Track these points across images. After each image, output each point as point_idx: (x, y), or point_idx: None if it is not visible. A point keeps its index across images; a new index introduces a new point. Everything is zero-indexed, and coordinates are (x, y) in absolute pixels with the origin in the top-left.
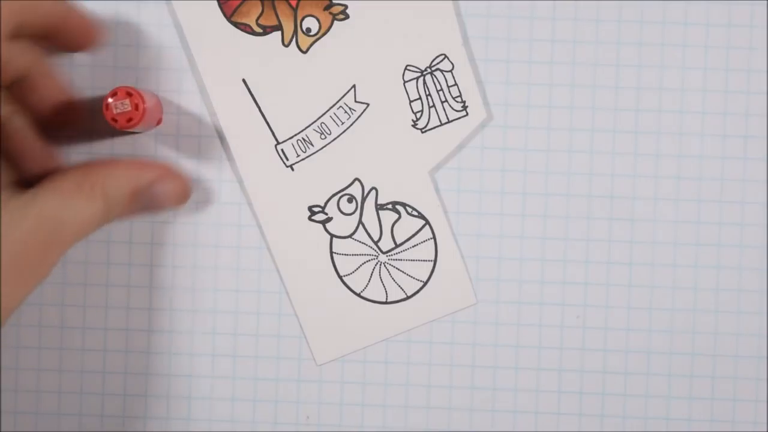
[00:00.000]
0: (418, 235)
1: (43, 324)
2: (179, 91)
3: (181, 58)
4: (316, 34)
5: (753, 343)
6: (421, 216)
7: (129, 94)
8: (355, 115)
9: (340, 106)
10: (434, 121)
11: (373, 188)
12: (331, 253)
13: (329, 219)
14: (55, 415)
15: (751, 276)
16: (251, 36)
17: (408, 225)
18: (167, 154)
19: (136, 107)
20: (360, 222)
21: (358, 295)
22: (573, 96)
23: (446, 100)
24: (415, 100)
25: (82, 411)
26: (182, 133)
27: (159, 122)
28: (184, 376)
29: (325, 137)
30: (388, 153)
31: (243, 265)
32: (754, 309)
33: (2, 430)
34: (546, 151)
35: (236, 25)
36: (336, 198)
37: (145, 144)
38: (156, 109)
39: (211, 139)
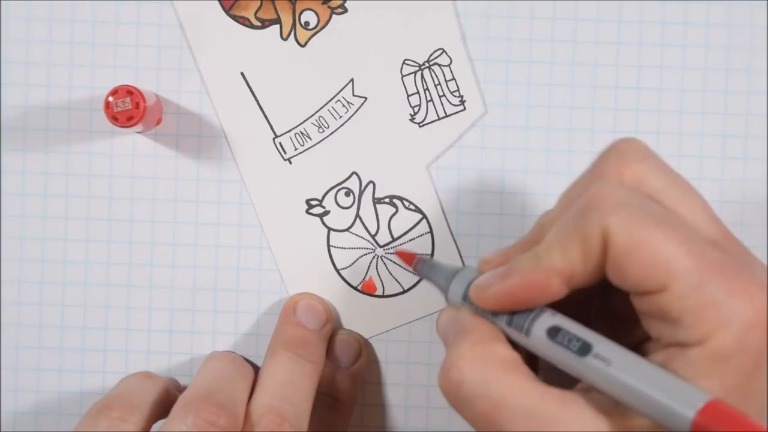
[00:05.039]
0: (415, 228)
1: (43, 324)
2: (179, 91)
3: (181, 58)
4: (314, 28)
5: None
6: (418, 210)
7: (129, 93)
8: (353, 108)
9: (338, 100)
10: (432, 116)
11: (371, 182)
12: (329, 246)
13: (327, 212)
14: (55, 415)
15: None
16: (250, 29)
17: (405, 219)
18: (167, 153)
19: (137, 105)
20: (357, 215)
21: (355, 288)
22: (573, 96)
23: (444, 95)
24: (413, 94)
25: (82, 411)
26: (182, 133)
27: (159, 122)
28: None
29: (323, 131)
30: (386, 147)
31: (243, 265)
32: None
33: (2, 430)
34: (546, 151)
35: (235, 18)
36: (333, 191)
37: (145, 144)
38: (156, 109)
39: (211, 139)
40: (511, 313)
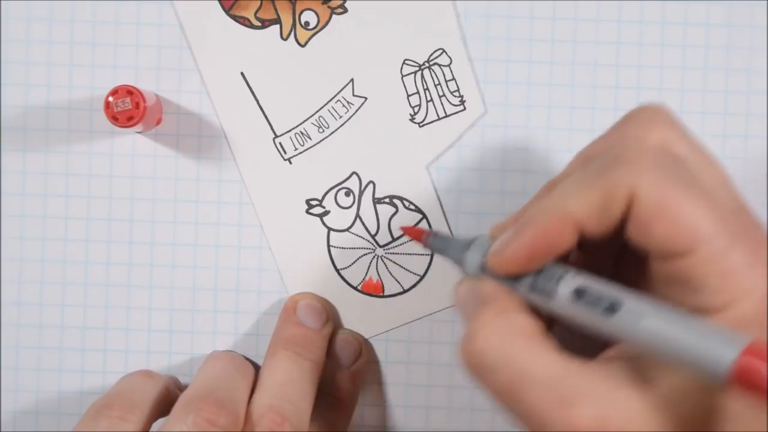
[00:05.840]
0: None
1: (43, 324)
2: (179, 91)
3: (181, 58)
4: (314, 28)
5: None
6: (418, 210)
7: (129, 93)
8: (353, 108)
9: (338, 100)
10: (432, 116)
11: (371, 182)
12: (329, 246)
13: (327, 212)
14: (55, 415)
15: None
16: (250, 29)
17: (405, 219)
18: (167, 153)
19: (137, 105)
20: (357, 215)
21: (355, 288)
22: (573, 96)
23: (444, 95)
24: (413, 94)
25: (82, 411)
26: (182, 133)
27: (159, 122)
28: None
29: (323, 131)
30: (386, 147)
31: (243, 265)
32: None
33: (2, 430)
34: (546, 150)
35: (235, 18)
36: (333, 191)
37: (145, 144)
38: (156, 109)
39: (211, 139)
40: (535, 274)
